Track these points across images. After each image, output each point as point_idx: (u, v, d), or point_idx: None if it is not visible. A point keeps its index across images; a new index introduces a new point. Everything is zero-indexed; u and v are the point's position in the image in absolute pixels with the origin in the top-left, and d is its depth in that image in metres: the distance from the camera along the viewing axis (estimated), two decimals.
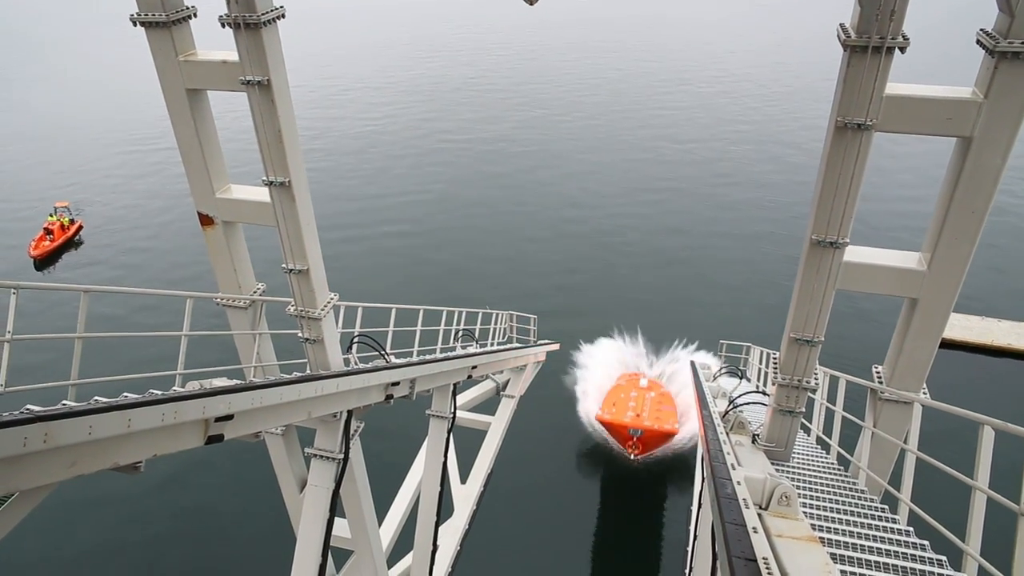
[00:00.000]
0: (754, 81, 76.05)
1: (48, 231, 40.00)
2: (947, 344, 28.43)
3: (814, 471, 10.04)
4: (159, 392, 6.00)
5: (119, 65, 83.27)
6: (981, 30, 6.58)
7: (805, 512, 7.54)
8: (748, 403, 10.69)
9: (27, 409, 4.64)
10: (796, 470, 9.82)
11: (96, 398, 5.30)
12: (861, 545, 6.80)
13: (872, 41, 6.58)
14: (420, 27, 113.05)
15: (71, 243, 41.14)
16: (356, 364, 10.48)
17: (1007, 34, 6.25)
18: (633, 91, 73.28)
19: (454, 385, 13.88)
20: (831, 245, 7.80)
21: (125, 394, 5.69)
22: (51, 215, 41.38)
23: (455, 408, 13.98)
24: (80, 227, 42.41)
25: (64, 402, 5.41)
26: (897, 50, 6.64)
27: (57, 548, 21.21)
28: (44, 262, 39.06)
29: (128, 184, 50.61)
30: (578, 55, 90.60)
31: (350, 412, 9.87)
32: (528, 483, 23.85)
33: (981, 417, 6.18)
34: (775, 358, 9.33)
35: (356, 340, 10.90)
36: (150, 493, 22.99)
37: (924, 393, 8.67)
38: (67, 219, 41.63)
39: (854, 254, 8.12)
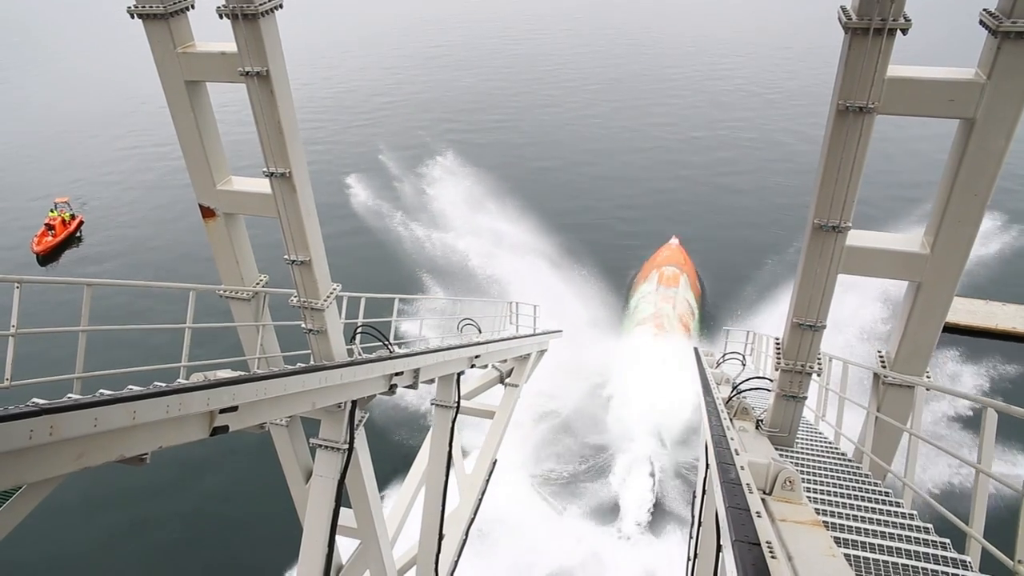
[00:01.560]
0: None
1: (50, 227, 40.05)
2: (950, 328, 28.47)
3: (818, 456, 10.06)
4: (164, 384, 6.04)
5: (118, 57, 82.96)
6: (984, 10, 6.52)
7: (809, 497, 7.56)
8: (751, 389, 10.70)
9: (33, 402, 4.67)
10: (800, 455, 9.83)
11: (101, 391, 5.33)
12: (865, 529, 6.82)
13: (873, 23, 6.51)
14: (423, 15, 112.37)
15: (73, 238, 41.18)
16: (360, 354, 10.50)
17: (1010, 13, 6.19)
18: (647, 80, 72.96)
19: (458, 375, 13.90)
20: (833, 229, 7.77)
21: (130, 387, 5.72)
22: (52, 211, 41.41)
23: (459, 397, 14.02)
24: (81, 222, 42.44)
25: (69, 395, 5.44)
26: (899, 32, 6.58)
27: (64, 535, 21.37)
28: (47, 257, 39.13)
29: (128, 178, 50.59)
30: (582, 42, 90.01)
31: (354, 402, 9.91)
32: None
33: (984, 400, 6.18)
34: (778, 343, 9.32)
35: (359, 330, 10.92)
36: (156, 485, 23.13)
37: (927, 377, 8.67)
38: (68, 214, 41.66)
39: (857, 238, 8.09)
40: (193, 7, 7.98)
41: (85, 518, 22.02)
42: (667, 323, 30.72)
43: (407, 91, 70.24)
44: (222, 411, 6.57)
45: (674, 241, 37.70)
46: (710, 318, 33.35)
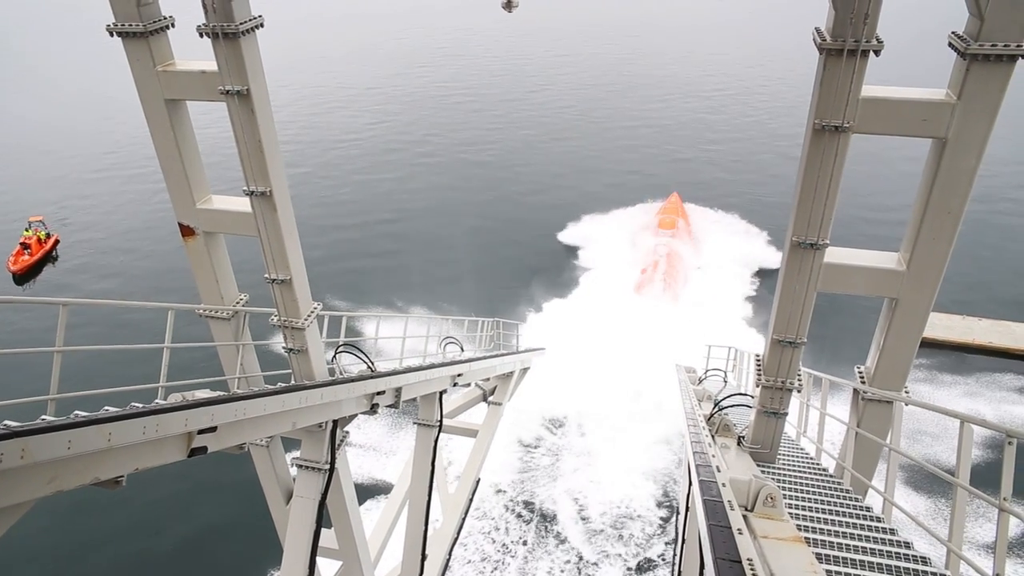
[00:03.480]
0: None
1: (25, 245, 39.52)
2: (928, 343, 28.82)
3: (799, 471, 10.10)
4: (140, 405, 5.94)
5: (96, 74, 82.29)
6: (953, 33, 6.69)
7: (790, 513, 7.58)
8: (733, 405, 10.74)
9: (4, 424, 4.57)
10: (781, 471, 9.87)
11: (76, 412, 5.23)
12: (846, 544, 6.85)
13: (847, 44, 6.66)
14: (404, 36, 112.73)
15: (49, 257, 40.65)
16: (341, 373, 10.43)
17: (977, 37, 6.36)
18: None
19: (440, 393, 13.83)
20: (812, 247, 7.88)
21: (106, 408, 5.62)
22: (27, 230, 40.86)
23: (442, 416, 13.94)
24: (57, 241, 41.92)
25: (43, 417, 5.34)
26: (872, 53, 6.74)
27: (35, 556, 20.89)
28: (24, 277, 38.58)
29: (106, 196, 50.05)
30: (564, 64, 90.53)
31: (335, 422, 9.82)
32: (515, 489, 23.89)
33: (961, 414, 6.25)
34: (759, 360, 9.38)
35: (340, 349, 10.85)
36: (131, 506, 22.70)
37: (906, 392, 8.76)
38: (43, 233, 41.15)
39: (834, 255, 8.20)
40: (173, 26, 7.97)
41: (57, 538, 21.55)
42: (656, 274, 35.99)
43: (393, 113, 70.40)
44: (200, 432, 6.48)
45: (674, 196, 44.16)
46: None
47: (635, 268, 37.17)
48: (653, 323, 31.66)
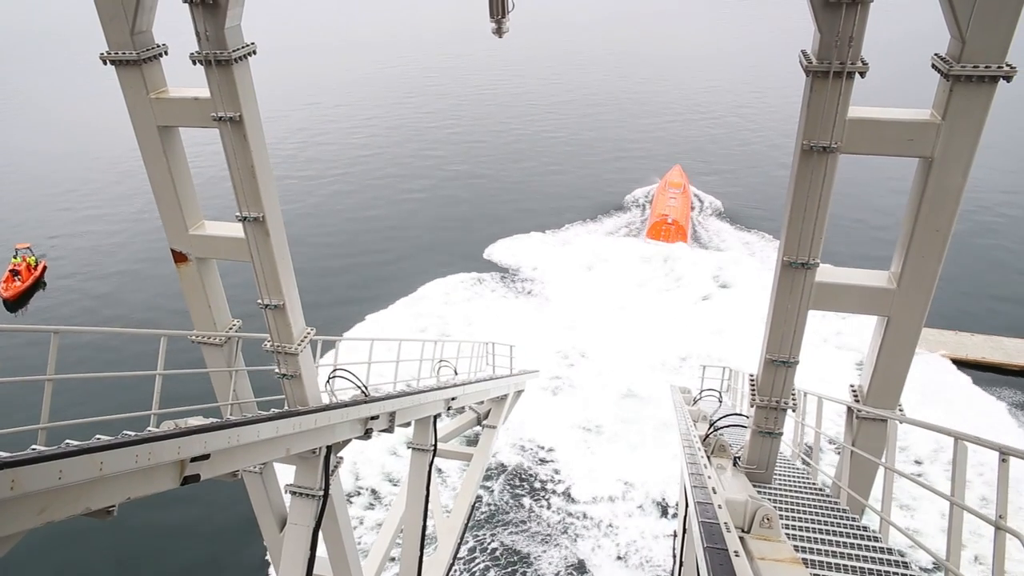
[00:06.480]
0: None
1: (15, 272, 39.34)
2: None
3: (796, 492, 10.06)
4: (133, 433, 5.89)
5: (84, 99, 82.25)
6: (935, 54, 6.81)
7: (787, 534, 7.54)
8: (728, 426, 10.72)
9: None
10: (778, 491, 9.83)
11: (67, 441, 5.19)
12: (844, 565, 6.81)
13: (833, 67, 6.77)
14: (396, 60, 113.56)
15: (39, 283, 40.46)
16: (334, 399, 10.37)
17: (959, 58, 6.48)
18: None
19: (434, 417, 13.77)
20: (803, 266, 7.93)
21: (97, 436, 5.58)
22: (15, 257, 40.66)
23: (436, 440, 13.86)
24: (44, 267, 41.75)
25: (33, 447, 5.29)
26: (857, 75, 6.84)
27: None
28: (16, 303, 38.38)
29: (94, 223, 49.84)
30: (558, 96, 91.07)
31: (329, 448, 9.75)
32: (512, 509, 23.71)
33: (955, 431, 6.26)
34: (753, 380, 9.39)
35: (334, 375, 10.80)
36: (124, 535, 22.39)
37: (900, 410, 8.77)
38: (32, 259, 40.99)
39: (826, 274, 8.25)
40: (166, 54, 8.04)
41: (44, 565, 21.20)
42: (670, 226, 41.96)
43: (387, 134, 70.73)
44: (193, 459, 6.42)
45: (677, 167, 50.69)
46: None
47: (648, 222, 44.10)
48: (669, 259, 39.36)
